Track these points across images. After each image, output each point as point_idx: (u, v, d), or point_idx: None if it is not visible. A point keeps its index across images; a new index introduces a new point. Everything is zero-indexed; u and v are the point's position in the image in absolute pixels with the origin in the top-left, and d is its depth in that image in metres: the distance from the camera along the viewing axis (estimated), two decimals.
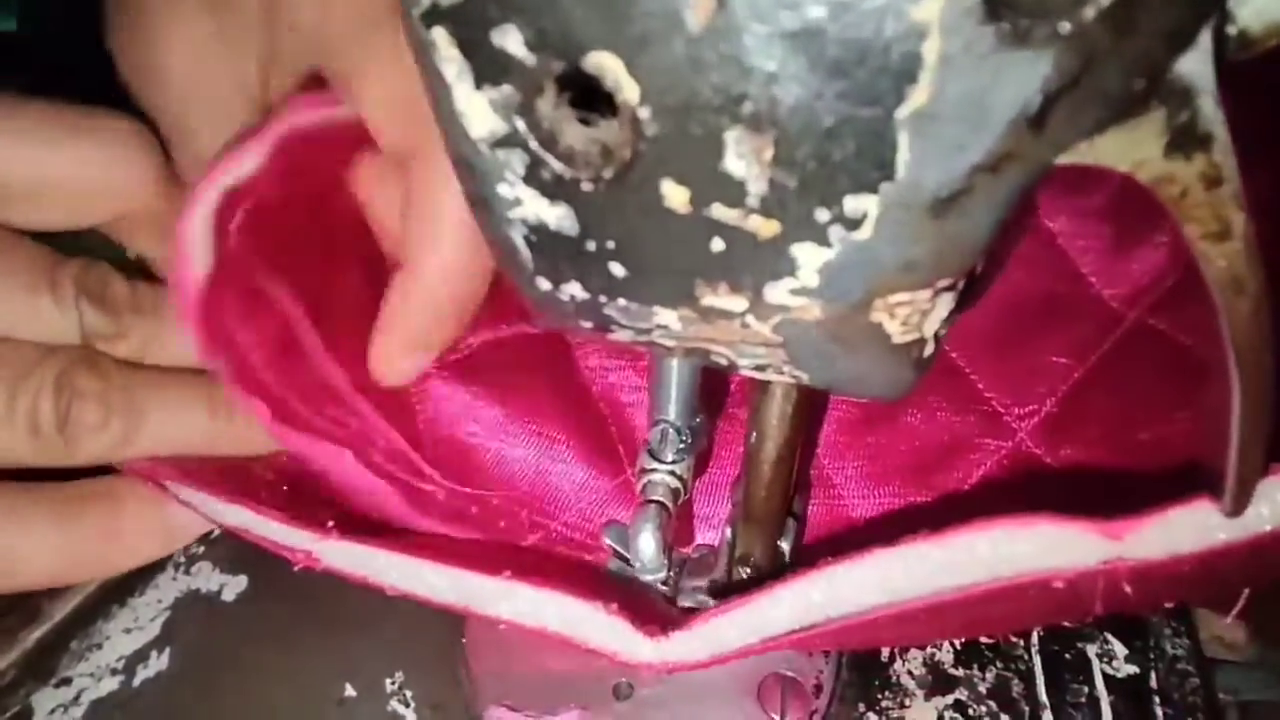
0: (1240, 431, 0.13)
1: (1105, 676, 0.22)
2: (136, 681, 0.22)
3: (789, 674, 0.21)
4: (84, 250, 0.21)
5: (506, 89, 0.10)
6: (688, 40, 0.09)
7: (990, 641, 0.23)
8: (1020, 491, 0.22)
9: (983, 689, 0.22)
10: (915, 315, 0.11)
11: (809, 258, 0.10)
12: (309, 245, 0.22)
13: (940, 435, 0.23)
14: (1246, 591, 0.16)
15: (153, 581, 0.24)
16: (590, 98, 0.10)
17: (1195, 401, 0.20)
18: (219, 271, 0.19)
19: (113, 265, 0.21)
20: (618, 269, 0.12)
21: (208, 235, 0.19)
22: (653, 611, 0.20)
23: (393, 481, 0.22)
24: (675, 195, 0.10)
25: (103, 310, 0.20)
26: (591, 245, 0.12)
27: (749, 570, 0.20)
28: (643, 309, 0.13)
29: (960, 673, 0.22)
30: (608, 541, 0.23)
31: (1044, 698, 0.22)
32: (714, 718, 0.20)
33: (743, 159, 0.09)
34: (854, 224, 0.10)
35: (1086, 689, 0.22)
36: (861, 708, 0.21)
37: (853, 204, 0.09)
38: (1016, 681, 0.22)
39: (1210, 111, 0.10)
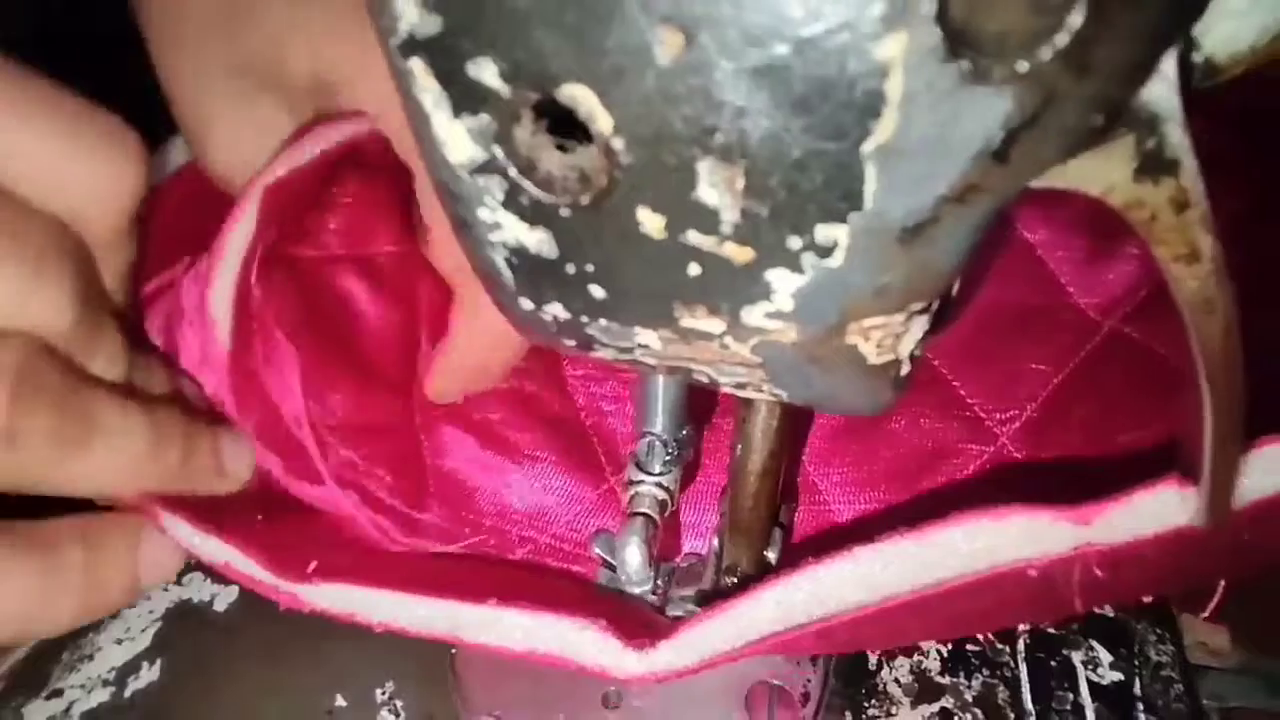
0: (1212, 446, 0.13)
1: (1090, 683, 0.22)
2: (127, 693, 0.22)
3: (776, 683, 0.21)
4: None
5: (484, 118, 0.10)
6: (658, 74, 0.09)
7: (976, 649, 0.23)
8: (1001, 493, 0.22)
9: (969, 696, 0.22)
10: (889, 338, 0.11)
11: (783, 283, 0.10)
12: (311, 288, 0.22)
13: (924, 441, 0.23)
14: (1222, 585, 0.16)
15: (144, 592, 0.24)
16: (567, 124, 0.10)
17: (1170, 407, 0.20)
18: (243, 335, 0.19)
19: None
20: (598, 291, 0.12)
21: (228, 305, 0.20)
22: (640, 623, 0.20)
23: (391, 515, 0.23)
24: (651, 222, 0.10)
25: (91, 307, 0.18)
26: (571, 268, 0.12)
27: (736, 580, 0.20)
28: (623, 329, 0.13)
29: (947, 680, 0.22)
30: (596, 551, 0.23)
31: (1029, 705, 0.22)
32: None
33: (715, 188, 0.09)
34: (826, 251, 0.10)
35: (1071, 696, 0.22)
36: (848, 716, 0.22)
37: (823, 232, 0.09)
38: (1002, 689, 0.22)
39: (1177, 138, 0.10)
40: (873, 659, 0.23)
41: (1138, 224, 0.11)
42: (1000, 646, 0.23)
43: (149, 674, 0.22)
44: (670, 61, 0.09)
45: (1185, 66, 0.10)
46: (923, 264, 0.10)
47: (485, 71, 0.10)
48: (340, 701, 0.22)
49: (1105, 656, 0.23)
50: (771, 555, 0.21)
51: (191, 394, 0.22)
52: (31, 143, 0.18)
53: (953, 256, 0.10)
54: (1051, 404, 0.23)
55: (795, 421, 0.19)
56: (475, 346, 0.23)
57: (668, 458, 0.20)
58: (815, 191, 0.09)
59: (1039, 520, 0.14)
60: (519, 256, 0.12)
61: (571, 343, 0.14)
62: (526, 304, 0.13)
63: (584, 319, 0.13)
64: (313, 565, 0.20)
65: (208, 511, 0.21)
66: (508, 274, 0.13)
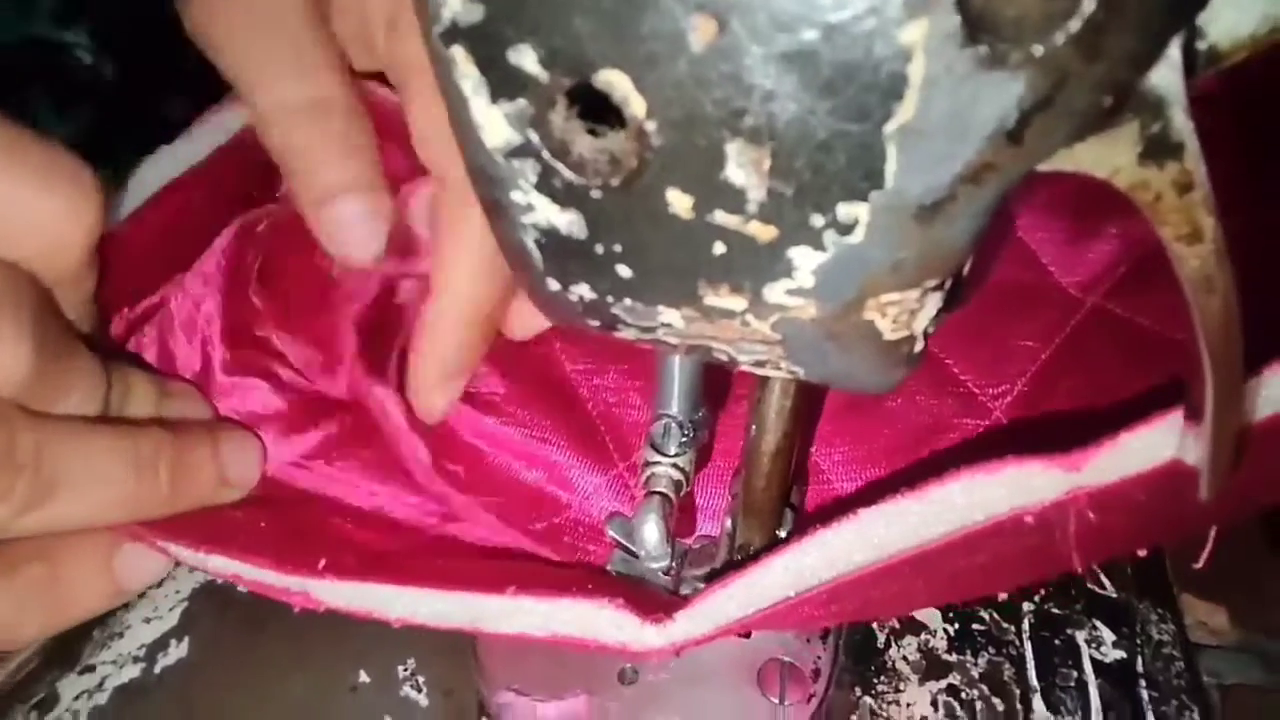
0: (1214, 418, 0.13)
1: (1093, 661, 0.23)
2: (157, 669, 0.22)
3: (788, 660, 0.22)
4: None
5: (521, 103, 0.11)
6: (691, 60, 0.09)
7: (982, 628, 0.24)
8: (995, 455, 0.23)
9: (975, 673, 0.23)
10: (905, 314, 0.12)
11: (805, 260, 0.11)
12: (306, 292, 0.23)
13: (921, 418, 0.24)
14: (1214, 533, 0.17)
15: (170, 573, 0.25)
16: (599, 110, 0.11)
17: (1153, 373, 0.21)
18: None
19: None
20: (624, 271, 0.13)
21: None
22: (655, 602, 0.21)
23: (407, 486, 0.23)
24: (679, 202, 0.11)
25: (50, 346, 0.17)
26: (599, 249, 0.12)
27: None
28: (648, 309, 0.13)
29: (954, 658, 0.23)
30: (611, 533, 0.23)
31: (1034, 681, 0.22)
32: (715, 701, 0.21)
33: (742, 169, 0.10)
34: (847, 229, 0.10)
35: (1075, 673, 0.23)
36: (858, 692, 0.22)
37: (845, 210, 0.10)
38: (1008, 666, 0.23)
39: (1181, 122, 0.11)
40: (881, 637, 0.23)
41: (1142, 205, 0.12)
42: (1005, 625, 0.24)
43: (177, 651, 0.23)
44: (703, 47, 0.09)
45: (1189, 54, 0.10)
46: (938, 241, 0.10)
47: (525, 58, 0.10)
48: (363, 678, 0.22)
49: (1108, 635, 0.23)
50: (783, 535, 0.22)
51: (185, 408, 0.22)
52: None
53: (966, 234, 0.10)
54: (1041, 378, 0.24)
55: (808, 404, 0.19)
56: (463, 273, 0.21)
57: (683, 439, 0.20)
58: (839, 171, 0.10)
59: (1030, 469, 0.15)
60: (549, 238, 0.13)
61: (596, 323, 0.14)
62: (554, 285, 0.14)
63: (610, 299, 0.13)
64: (322, 563, 0.20)
65: (207, 527, 0.21)
66: (537, 255, 0.13)
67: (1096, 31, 0.08)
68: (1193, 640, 0.24)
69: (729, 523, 0.22)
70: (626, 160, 0.11)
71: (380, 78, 0.22)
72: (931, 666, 0.23)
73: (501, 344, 0.26)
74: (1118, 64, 0.09)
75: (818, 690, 0.22)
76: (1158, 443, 0.15)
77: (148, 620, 0.23)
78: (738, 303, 0.12)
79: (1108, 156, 0.11)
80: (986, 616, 0.24)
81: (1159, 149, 0.11)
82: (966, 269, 0.12)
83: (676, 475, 0.20)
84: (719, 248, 0.11)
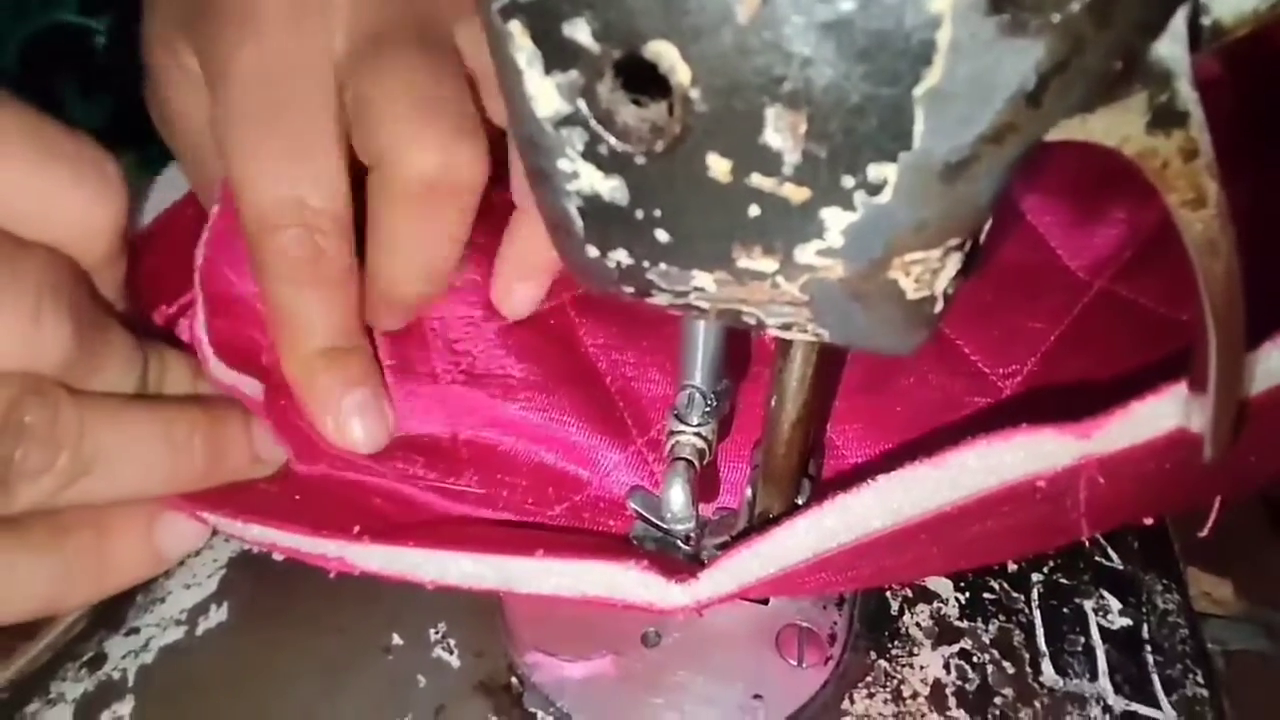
0: (1217, 381, 0.14)
1: (1101, 629, 0.24)
2: (199, 631, 0.23)
3: (805, 625, 0.23)
4: None
5: (572, 74, 0.12)
6: (736, 30, 0.10)
7: (993, 597, 0.24)
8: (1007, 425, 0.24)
9: (986, 639, 0.23)
10: (927, 273, 0.12)
11: (835, 220, 0.12)
12: None
13: (933, 395, 0.25)
14: (1217, 503, 0.17)
15: (208, 543, 0.25)
16: (642, 81, 0.12)
17: (1158, 355, 0.22)
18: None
19: None
20: (662, 235, 0.13)
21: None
22: (678, 565, 0.22)
23: (432, 487, 0.24)
24: (719, 166, 0.12)
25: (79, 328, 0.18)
26: (640, 214, 0.13)
27: None
28: (682, 273, 0.14)
29: (965, 625, 0.24)
30: (633, 506, 0.24)
31: (1043, 646, 0.23)
32: (736, 662, 0.22)
33: (780, 133, 0.11)
34: (876, 189, 0.11)
35: (1083, 640, 0.23)
36: (873, 655, 0.23)
37: (875, 171, 0.11)
38: (1018, 632, 0.24)
39: (1186, 92, 0.11)
40: (895, 605, 0.24)
41: (1150, 172, 0.12)
42: (1015, 595, 0.25)
43: (218, 615, 0.24)
44: (748, 19, 0.10)
45: (1194, 28, 0.11)
46: (961, 200, 0.11)
47: (579, 30, 0.11)
48: (397, 640, 0.23)
49: (1115, 604, 0.24)
50: (801, 504, 0.22)
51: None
52: (16, 178, 0.17)
53: (987, 193, 0.11)
54: (1049, 358, 0.25)
55: (828, 375, 0.20)
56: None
57: (706, 409, 0.21)
58: (870, 133, 0.10)
59: (1043, 436, 0.16)
60: (592, 204, 0.13)
61: (631, 289, 0.15)
62: (592, 251, 0.15)
63: (646, 264, 0.14)
64: (357, 528, 0.21)
65: (244, 499, 0.22)
66: (579, 222, 0.14)
67: (1108, 0, 0.09)
68: (1198, 610, 0.24)
69: (749, 492, 0.23)
70: (669, 127, 0.12)
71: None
72: (944, 632, 0.23)
73: (518, 321, 0.27)
74: (1127, 30, 0.09)
75: (834, 653, 0.23)
76: (1165, 412, 0.16)
77: (188, 586, 0.24)
78: (769, 264, 0.13)
79: (1117, 126, 0.12)
80: (996, 586, 0.25)
81: (1166, 118, 0.12)
82: (984, 233, 0.13)
83: (700, 444, 0.21)
84: (754, 210, 0.12)
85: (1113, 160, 0.12)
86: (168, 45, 0.22)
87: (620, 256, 0.14)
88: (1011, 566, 0.25)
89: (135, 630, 0.23)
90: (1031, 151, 0.11)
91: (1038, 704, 0.22)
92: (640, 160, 0.12)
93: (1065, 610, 0.24)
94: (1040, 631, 0.24)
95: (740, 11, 0.10)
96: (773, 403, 0.20)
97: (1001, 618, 0.24)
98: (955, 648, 0.23)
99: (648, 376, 0.27)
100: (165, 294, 0.26)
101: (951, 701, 0.22)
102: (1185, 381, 0.16)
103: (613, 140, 0.12)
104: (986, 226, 0.13)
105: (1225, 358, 0.14)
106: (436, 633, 0.23)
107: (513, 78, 0.12)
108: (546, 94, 0.12)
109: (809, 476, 0.23)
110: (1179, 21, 0.11)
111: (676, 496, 0.20)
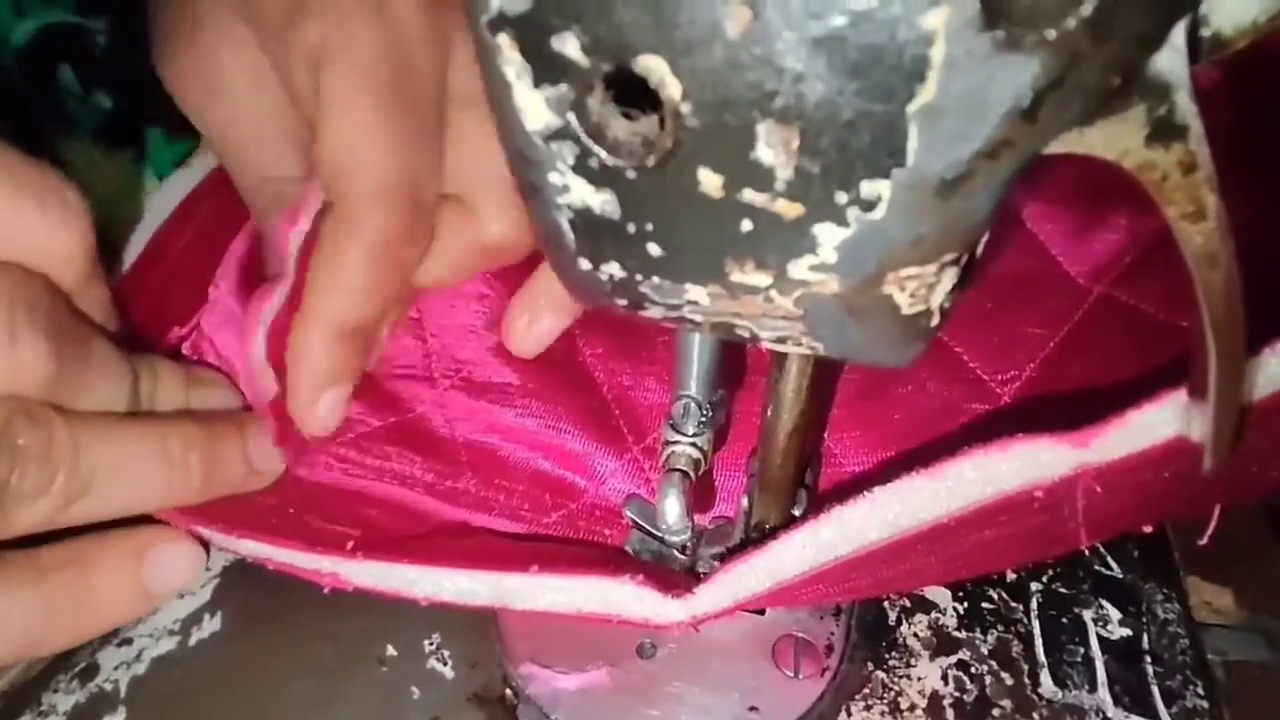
0: (1217, 391, 0.14)
1: (1100, 639, 0.23)
2: (192, 641, 0.23)
3: (801, 635, 0.23)
4: None
5: (562, 88, 0.11)
6: (727, 45, 0.10)
7: (991, 607, 0.24)
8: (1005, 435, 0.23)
9: (984, 650, 0.23)
10: (923, 288, 0.12)
11: (828, 236, 0.12)
12: None
13: (931, 403, 0.25)
14: (1217, 512, 0.17)
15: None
16: (633, 94, 0.11)
17: (1157, 361, 0.22)
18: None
19: None
20: (654, 249, 0.13)
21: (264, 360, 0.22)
22: (675, 578, 0.21)
23: (430, 490, 0.24)
24: (710, 181, 0.11)
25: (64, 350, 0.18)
26: (631, 228, 0.13)
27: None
28: (675, 286, 0.14)
29: (963, 635, 0.24)
30: (629, 514, 0.24)
31: (1042, 657, 0.23)
32: (731, 673, 0.22)
33: (772, 148, 0.11)
34: (869, 205, 0.11)
35: (1082, 649, 0.23)
36: (870, 666, 0.23)
37: (869, 187, 0.11)
38: (1016, 643, 0.23)
39: (1186, 105, 0.11)
40: (892, 616, 0.24)
41: (1149, 185, 0.12)
42: (1014, 605, 0.24)
43: (211, 625, 0.23)
44: (738, 34, 0.10)
45: (1194, 40, 0.11)
46: (957, 216, 0.11)
47: (568, 45, 0.11)
48: (391, 650, 0.23)
49: (1114, 614, 0.24)
50: (797, 514, 0.22)
51: (212, 396, 0.23)
52: None
53: (984, 209, 0.11)
54: (1048, 364, 0.25)
55: (823, 385, 0.20)
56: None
57: (702, 419, 0.21)
58: (863, 149, 0.10)
59: (1039, 446, 0.16)
60: (583, 218, 0.13)
61: (624, 302, 0.15)
62: (585, 264, 0.14)
63: (639, 277, 0.14)
64: (351, 543, 0.21)
65: (239, 512, 0.22)
66: (570, 236, 0.14)
67: (1106, 15, 0.09)
68: (1198, 619, 0.24)
69: (745, 501, 0.22)
70: (660, 142, 0.11)
71: None
72: (942, 643, 0.23)
73: None
74: (1125, 45, 0.09)
75: (831, 664, 0.22)
76: (1163, 420, 0.16)
77: (181, 596, 0.24)
78: (762, 279, 0.13)
79: (1117, 139, 0.11)
80: (995, 596, 0.24)
81: (1165, 131, 0.11)
82: (981, 246, 0.13)
83: (695, 454, 0.21)
84: (746, 225, 0.12)
85: (1112, 168, 0.12)
86: (228, 31, 0.22)
87: (612, 270, 0.14)
88: (1010, 576, 0.25)
89: (128, 641, 0.23)
90: (1029, 165, 0.11)
91: (1036, 716, 0.22)
92: (631, 174, 0.12)
93: (1064, 620, 0.24)
94: (1039, 642, 0.23)
95: (731, 26, 0.10)
96: (769, 412, 0.20)
97: (1000, 628, 0.24)
98: (953, 658, 0.23)
99: (644, 385, 0.27)
100: (175, 313, 0.26)
101: (949, 713, 0.22)
102: (1184, 389, 0.16)
103: (603, 154, 0.12)
104: (983, 240, 0.13)
105: (1225, 368, 0.14)
106: (431, 644, 0.23)
107: (502, 91, 0.12)
108: (536, 107, 0.12)
109: (805, 486, 0.22)
110: (1178, 34, 0.10)
111: (671, 508, 0.20)
